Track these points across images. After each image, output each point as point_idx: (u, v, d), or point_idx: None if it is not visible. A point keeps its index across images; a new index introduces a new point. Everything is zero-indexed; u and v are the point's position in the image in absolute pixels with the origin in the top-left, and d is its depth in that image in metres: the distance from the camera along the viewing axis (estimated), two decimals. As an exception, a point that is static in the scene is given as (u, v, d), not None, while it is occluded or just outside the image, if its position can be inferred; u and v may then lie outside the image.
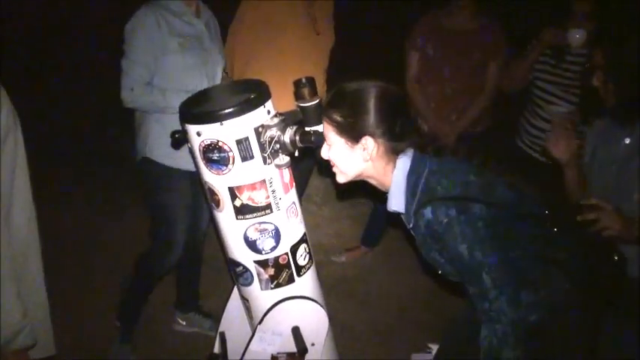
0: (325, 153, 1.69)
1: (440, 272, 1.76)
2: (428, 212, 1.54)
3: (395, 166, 1.63)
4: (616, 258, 1.55)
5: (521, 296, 1.56)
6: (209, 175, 1.70)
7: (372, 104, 1.57)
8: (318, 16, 2.87)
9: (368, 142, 1.59)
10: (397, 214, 1.70)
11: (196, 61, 2.44)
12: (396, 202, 1.66)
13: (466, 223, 1.51)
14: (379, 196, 1.74)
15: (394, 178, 1.64)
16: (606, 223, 1.78)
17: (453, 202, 1.53)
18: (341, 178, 1.71)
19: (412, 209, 1.59)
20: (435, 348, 2.39)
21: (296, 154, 1.73)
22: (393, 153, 1.63)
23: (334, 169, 1.71)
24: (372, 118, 1.57)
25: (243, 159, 1.64)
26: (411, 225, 1.65)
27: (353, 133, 1.60)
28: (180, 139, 1.71)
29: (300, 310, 1.85)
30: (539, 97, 2.94)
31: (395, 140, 1.60)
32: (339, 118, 1.61)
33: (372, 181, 1.71)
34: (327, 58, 3.00)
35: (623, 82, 1.87)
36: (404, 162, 1.63)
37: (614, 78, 1.88)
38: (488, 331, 1.55)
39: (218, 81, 2.55)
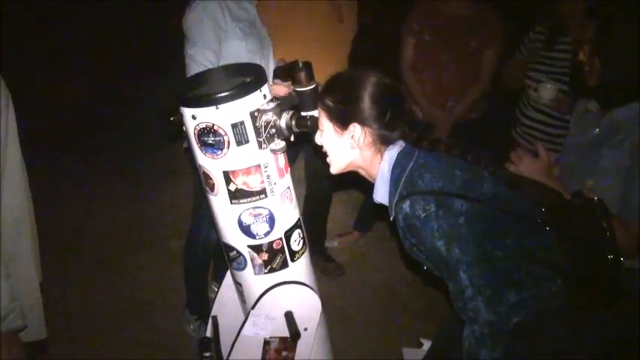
0: (318, 138, 1.70)
1: (425, 267, 1.75)
2: (406, 206, 1.53)
3: (383, 158, 1.63)
4: (611, 257, 1.51)
5: (502, 297, 1.52)
6: (204, 159, 1.69)
7: (364, 92, 1.57)
8: (341, 4, 2.88)
9: (356, 129, 1.58)
10: (384, 206, 1.69)
11: (257, 46, 2.46)
12: (381, 194, 1.65)
13: (445, 218, 1.48)
14: (371, 182, 1.74)
15: (380, 169, 1.63)
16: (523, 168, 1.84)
17: (432, 197, 1.50)
18: (333, 168, 1.71)
19: (394, 202, 1.58)
20: (427, 343, 2.39)
21: (292, 139, 1.73)
22: (382, 143, 1.62)
23: (327, 159, 1.71)
24: (362, 105, 1.57)
25: (239, 143, 1.63)
26: (392, 218, 1.64)
27: (342, 118, 1.60)
28: (175, 122, 1.70)
29: (294, 295, 1.85)
30: (531, 87, 2.94)
31: (384, 129, 1.59)
32: (330, 104, 1.61)
33: (362, 172, 1.71)
34: (348, 45, 3.01)
35: (611, 59, 1.79)
36: (391, 154, 1.61)
37: (603, 54, 1.79)
38: (467, 331, 1.52)
39: (272, 65, 2.56)
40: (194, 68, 2.30)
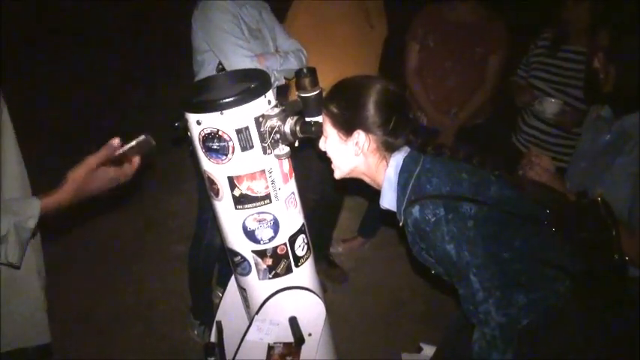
0: (322, 144, 1.70)
1: (433, 272, 1.75)
2: (416, 211, 1.53)
3: (388, 164, 1.63)
4: (616, 257, 1.52)
5: (511, 299, 1.53)
6: (208, 164, 1.69)
7: (368, 99, 1.57)
8: (370, 10, 2.91)
9: (360, 136, 1.59)
10: (390, 212, 1.69)
11: (263, 50, 2.50)
12: (388, 200, 1.65)
13: (454, 222, 1.49)
14: (375, 191, 1.74)
15: (387, 175, 1.63)
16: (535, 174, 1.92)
17: (441, 201, 1.50)
18: (336, 173, 1.72)
19: (402, 207, 1.58)
20: (426, 347, 2.39)
21: (296, 144, 1.73)
22: (387, 150, 1.62)
23: (332, 166, 1.71)
24: (366, 112, 1.57)
25: (243, 148, 1.64)
26: (401, 223, 1.64)
27: (346, 125, 1.60)
28: (180, 128, 1.70)
29: (298, 300, 1.85)
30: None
31: (389, 136, 1.59)
32: (335, 110, 1.61)
33: (367, 179, 1.71)
34: (380, 50, 3.03)
35: (627, 66, 1.78)
36: (397, 160, 1.62)
37: (619, 61, 1.79)
38: (478, 334, 1.53)
39: None
40: (237, 62, 2.34)
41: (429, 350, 2.39)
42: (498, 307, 1.49)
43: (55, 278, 1.81)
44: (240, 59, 2.35)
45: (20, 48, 6.26)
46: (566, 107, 2.73)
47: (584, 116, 2.63)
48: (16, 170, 1.57)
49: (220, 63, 2.45)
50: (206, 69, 2.51)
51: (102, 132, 5.21)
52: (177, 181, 4.38)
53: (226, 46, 2.37)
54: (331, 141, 1.65)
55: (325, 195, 3.10)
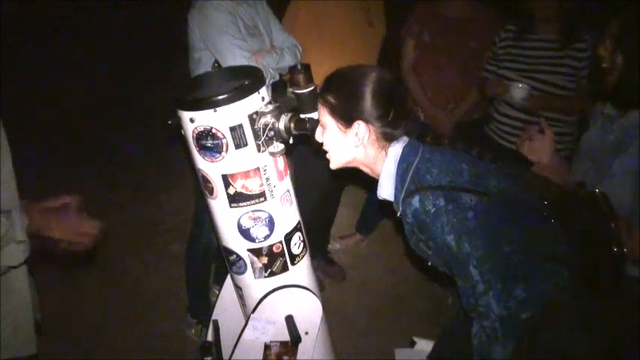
0: (319, 136, 1.68)
1: (430, 264, 1.74)
2: (415, 201, 1.52)
3: (387, 154, 1.62)
4: (615, 250, 1.50)
5: (512, 292, 1.51)
6: (202, 163, 1.68)
7: (367, 89, 1.55)
8: (370, 8, 2.91)
9: (360, 126, 1.57)
10: (388, 202, 1.68)
11: (260, 47, 2.49)
12: (386, 190, 1.64)
13: (454, 213, 1.48)
14: (372, 183, 1.72)
15: (385, 165, 1.62)
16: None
17: (441, 191, 1.50)
18: (333, 164, 1.70)
19: (400, 198, 1.58)
20: (419, 342, 2.38)
21: (290, 141, 1.71)
22: (386, 140, 1.61)
23: (327, 156, 1.69)
24: (365, 103, 1.55)
25: (237, 146, 1.62)
26: (399, 214, 1.63)
27: (346, 116, 1.59)
28: (173, 126, 1.69)
29: (294, 298, 1.84)
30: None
31: (388, 127, 1.58)
32: (333, 101, 1.59)
33: (365, 169, 1.70)
34: (378, 48, 3.03)
35: (634, 57, 1.70)
36: (396, 150, 1.61)
37: (628, 50, 1.71)
38: (478, 327, 1.52)
39: None
40: (234, 63, 2.33)
41: (421, 344, 2.38)
42: (499, 299, 1.48)
43: (52, 278, 1.79)
44: (238, 60, 2.34)
45: (14, 47, 6.24)
46: (533, 92, 2.73)
47: (555, 100, 2.72)
48: (6, 170, 1.54)
49: (217, 61, 2.43)
50: (203, 67, 2.49)
51: (101, 130, 5.22)
52: (174, 180, 4.36)
53: (224, 46, 2.35)
54: (330, 132, 1.63)
55: (327, 193, 3.09)
